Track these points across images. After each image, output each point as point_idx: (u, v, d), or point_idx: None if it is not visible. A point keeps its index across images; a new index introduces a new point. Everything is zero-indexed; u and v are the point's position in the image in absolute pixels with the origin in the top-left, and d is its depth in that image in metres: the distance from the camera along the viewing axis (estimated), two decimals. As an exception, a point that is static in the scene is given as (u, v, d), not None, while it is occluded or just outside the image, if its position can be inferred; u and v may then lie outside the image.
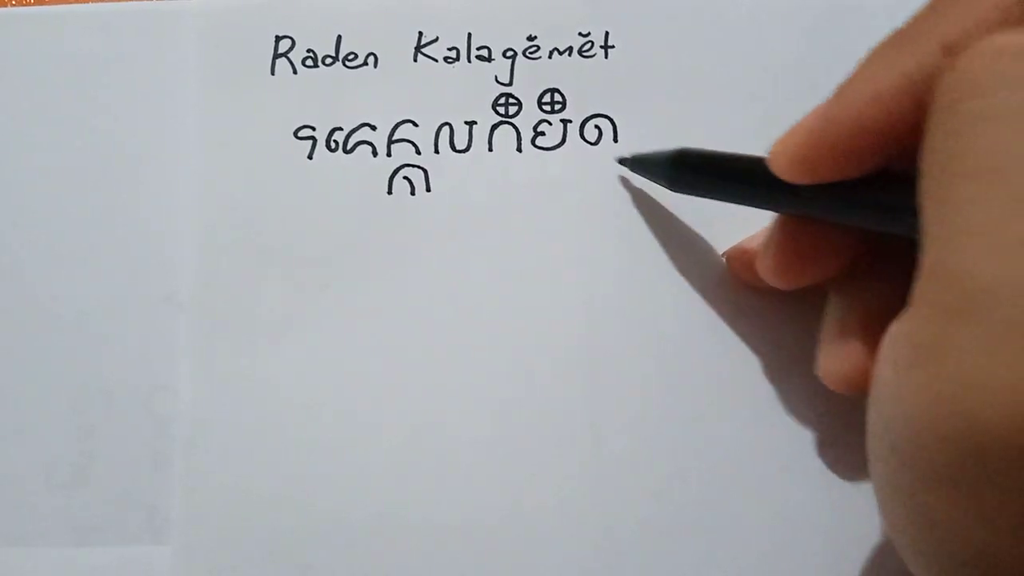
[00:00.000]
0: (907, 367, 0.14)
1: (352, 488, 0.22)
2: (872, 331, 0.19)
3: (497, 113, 0.25)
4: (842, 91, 0.17)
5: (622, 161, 0.24)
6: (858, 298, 0.19)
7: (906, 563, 0.15)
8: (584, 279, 0.23)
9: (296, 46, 0.25)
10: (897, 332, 0.15)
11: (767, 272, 0.20)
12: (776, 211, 0.20)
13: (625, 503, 0.22)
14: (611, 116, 0.25)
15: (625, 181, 0.24)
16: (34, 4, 0.27)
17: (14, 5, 0.27)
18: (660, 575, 0.21)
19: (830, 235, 0.19)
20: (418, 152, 0.25)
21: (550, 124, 0.25)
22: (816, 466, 0.22)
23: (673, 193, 0.22)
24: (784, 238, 0.20)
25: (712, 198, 0.21)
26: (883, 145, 0.16)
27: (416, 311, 0.23)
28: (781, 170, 0.18)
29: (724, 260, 0.23)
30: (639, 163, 0.23)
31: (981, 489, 0.13)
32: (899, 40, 0.16)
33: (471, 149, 0.25)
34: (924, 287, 0.14)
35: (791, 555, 0.21)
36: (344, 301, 0.23)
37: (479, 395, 0.23)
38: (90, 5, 0.26)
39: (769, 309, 0.23)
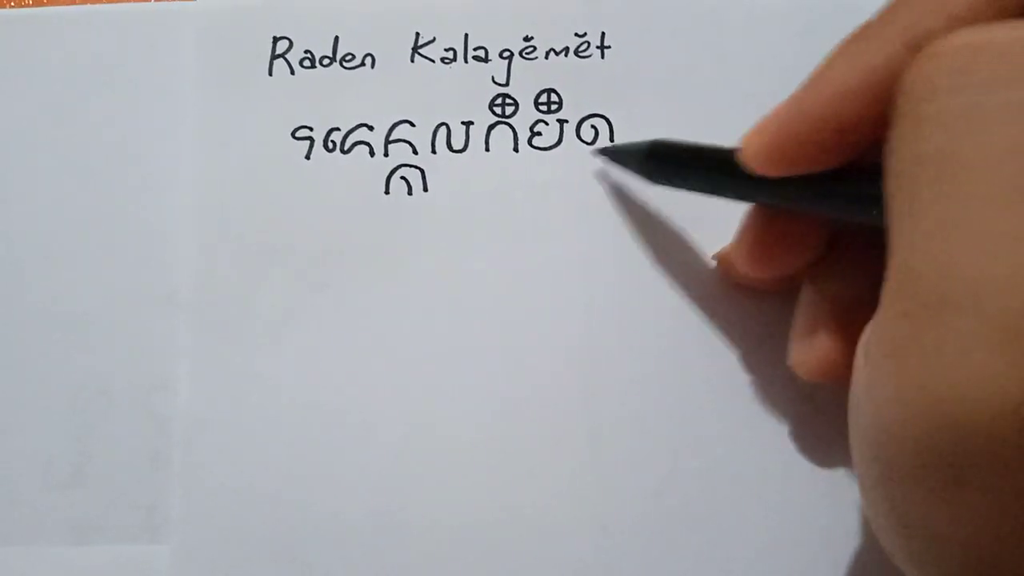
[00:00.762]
0: (881, 366, 0.14)
1: (350, 487, 0.22)
2: (842, 321, 0.19)
3: (494, 113, 0.25)
4: (808, 86, 0.17)
5: (601, 152, 0.24)
6: (829, 288, 0.20)
7: (895, 563, 0.15)
8: (581, 278, 0.23)
9: (294, 47, 0.26)
10: (871, 331, 0.15)
11: (740, 260, 0.21)
12: (749, 201, 0.20)
13: (623, 502, 0.22)
14: (607, 116, 0.25)
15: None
16: (33, 5, 0.27)
17: (12, 6, 0.27)
18: (658, 572, 0.21)
19: (801, 225, 0.20)
20: (415, 152, 0.25)
21: (547, 124, 0.25)
22: (813, 465, 0.22)
23: (670, 193, 0.22)
24: (756, 227, 0.20)
25: (687, 189, 0.22)
26: (849, 139, 0.16)
27: (414, 310, 0.23)
28: (751, 163, 0.18)
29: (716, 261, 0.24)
30: (615, 154, 0.24)
31: (958, 487, 0.13)
32: (865, 34, 0.16)
33: (468, 149, 0.25)
34: (895, 285, 0.14)
35: (788, 554, 0.21)
36: (342, 301, 0.23)
37: (477, 394, 0.23)
38: (89, 6, 0.26)
39: (766, 310, 0.23)
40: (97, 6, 0.26)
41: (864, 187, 0.17)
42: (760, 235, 0.20)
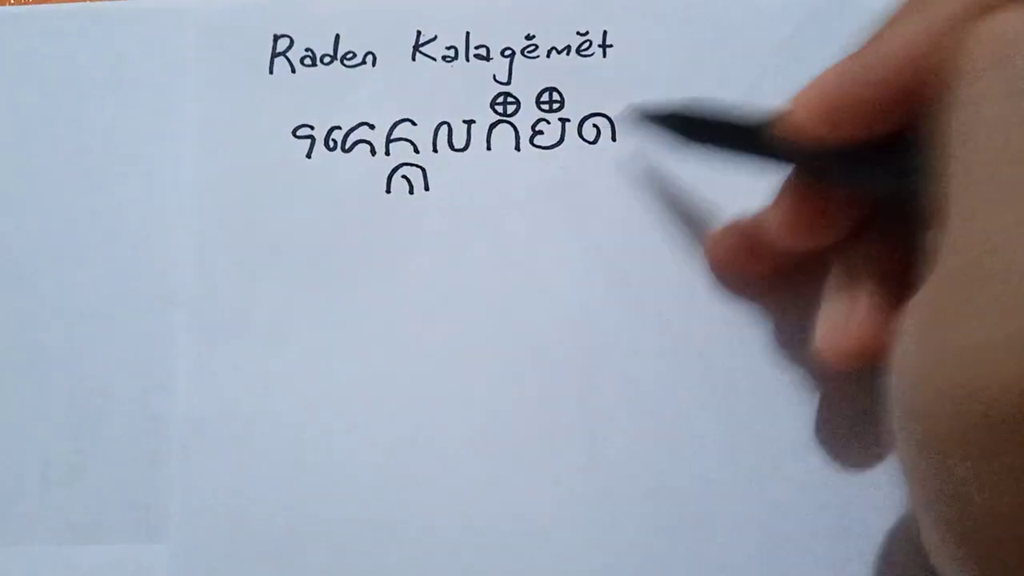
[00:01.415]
0: (925, 332, 0.14)
1: (347, 488, 0.22)
2: (880, 296, 0.19)
3: (495, 112, 0.25)
4: (870, 47, 0.17)
5: (633, 113, 0.23)
6: (864, 263, 0.19)
7: (928, 539, 0.15)
8: (582, 277, 0.23)
9: (295, 45, 0.26)
10: (919, 300, 0.15)
11: (777, 230, 0.20)
12: (782, 166, 0.20)
13: (621, 505, 0.22)
14: (609, 115, 0.25)
15: (626, 180, 0.24)
16: (32, 2, 0.27)
17: (12, 4, 0.27)
18: (655, 572, 0.21)
19: (837, 195, 0.19)
20: (416, 151, 0.25)
21: (548, 123, 0.25)
22: (813, 467, 0.22)
23: (670, 194, 0.22)
24: (796, 194, 0.20)
25: (721, 151, 0.21)
26: (909, 105, 0.16)
27: (414, 309, 0.23)
28: (801, 122, 0.18)
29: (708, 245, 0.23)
30: (648, 116, 0.23)
31: (995, 455, 0.13)
32: (922, 2, 0.16)
33: (470, 148, 0.25)
34: (945, 254, 0.14)
35: (788, 556, 0.21)
36: (342, 300, 0.23)
37: (476, 395, 0.23)
38: (89, 4, 0.26)
39: (766, 311, 0.23)
40: (98, 3, 0.26)
41: (903, 158, 0.16)
42: (796, 204, 0.20)
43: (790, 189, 0.20)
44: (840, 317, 0.19)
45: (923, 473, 0.15)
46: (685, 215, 0.24)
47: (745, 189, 0.22)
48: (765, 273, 0.22)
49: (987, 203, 0.13)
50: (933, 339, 0.14)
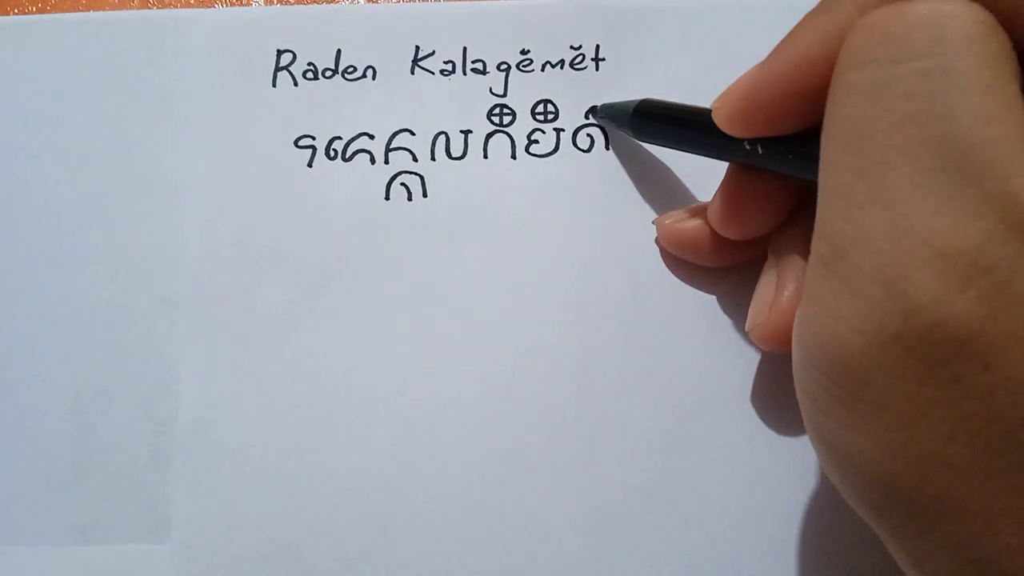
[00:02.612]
0: (800, 307, 0.16)
1: (348, 485, 0.22)
2: (794, 284, 0.20)
3: (492, 123, 0.25)
4: (773, 54, 0.18)
5: (591, 111, 0.25)
6: (791, 248, 0.21)
7: (844, 497, 0.17)
8: (576, 282, 0.24)
9: (297, 59, 0.26)
10: (810, 261, 0.16)
11: (714, 218, 0.22)
12: (725, 160, 0.21)
13: (616, 500, 0.22)
14: (603, 125, 0.25)
15: (619, 187, 0.25)
16: (37, 12, 0.27)
17: (19, 13, 0.27)
18: (651, 569, 0.21)
19: (770, 184, 0.21)
20: (415, 159, 0.25)
21: (543, 132, 0.25)
22: (807, 460, 0.22)
23: (661, 196, 0.23)
24: (728, 186, 0.21)
25: (670, 147, 0.23)
26: (810, 103, 0.17)
27: (412, 313, 0.24)
28: (722, 123, 0.20)
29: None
30: (607, 113, 0.25)
31: (852, 408, 0.15)
32: (825, 5, 0.17)
33: (467, 156, 0.25)
34: (813, 242, 0.16)
35: (780, 552, 0.22)
36: (342, 304, 0.24)
37: (474, 396, 0.23)
38: (96, 14, 0.27)
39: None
40: (104, 13, 0.27)
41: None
42: (732, 192, 0.21)
43: (726, 180, 0.22)
44: (767, 300, 0.21)
45: (808, 425, 0.17)
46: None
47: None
48: (714, 261, 0.23)
49: (838, 189, 0.15)
50: (804, 310, 0.16)
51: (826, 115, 0.16)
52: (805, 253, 0.20)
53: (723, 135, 0.20)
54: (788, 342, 0.17)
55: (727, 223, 0.22)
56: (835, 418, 0.15)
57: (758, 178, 0.21)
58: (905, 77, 0.14)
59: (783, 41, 0.18)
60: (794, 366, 0.17)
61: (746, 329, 0.22)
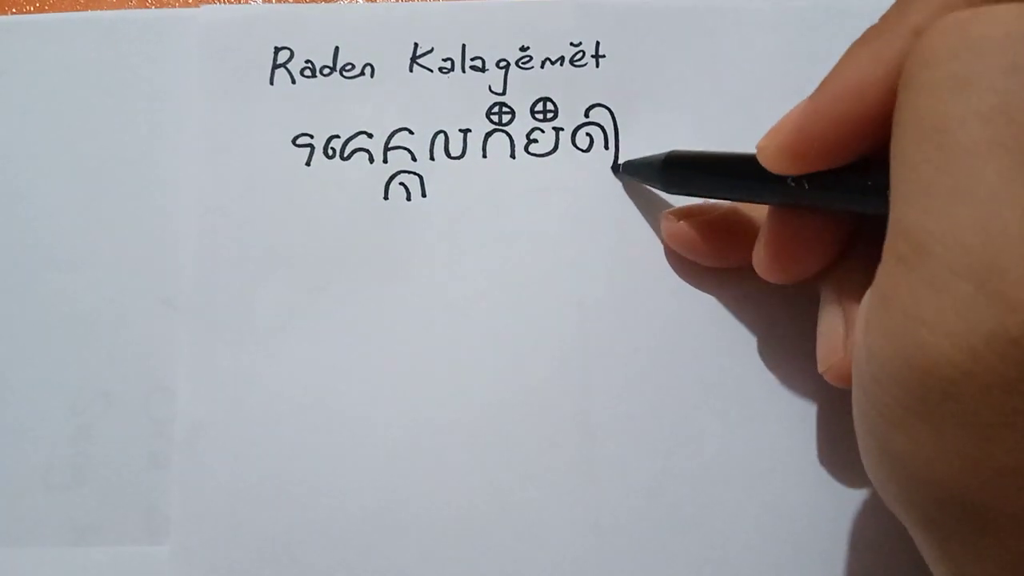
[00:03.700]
0: (874, 313, 0.15)
1: (348, 487, 0.22)
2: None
3: (491, 121, 0.25)
4: (824, 85, 0.18)
5: (616, 168, 0.24)
6: (850, 287, 0.20)
7: (886, 503, 0.16)
8: (576, 281, 0.24)
9: (295, 57, 0.26)
10: (874, 284, 0.16)
11: (761, 265, 0.21)
12: (766, 202, 0.21)
13: (616, 501, 0.22)
14: (602, 124, 0.25)
15: (618, 186, 0.25)
16: (36, 12, 0.27)
17: (16, 13, 0.27)
18: (650, 571, 0.21)
19: (819, 225, 0.20)
20: (414, 159, 0.25)
21: (543, 132, 0.25)
22: (808, 462, 0.22)
23: (663, 195, 0.23)
24: (775, 230, 0.20)
25: (704, 196, 0.22)
26: (866, 133, 0.17)
27: (411, 313, 0.24)
28: (769, 162, 0.19)
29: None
30: (632, 169, 0.24)
31: (930, 420, 0.14)
32: (875, 32, 0.17)
33: (466, 156, 0.25)
34: (887, 242, 0.15)
35: (779, 553, 0.22)
36: (341, 304, 0.24)
37: (473, 396, 0.23)
38: (93, 14, 0.27)
39: (758, 308, 0.23)
40: (101, 13, 0.27)
41: (878, 178, 0.17)
42: (777, 236, 0.20)
43: (771, 224, 0.21)
44: (838, 338, 0.20)
45: (871, 439, 0.16)
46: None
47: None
48: (716, 261, 0.23)
49: (917, 184, 0.14)
50: (879, 316, 0.15)
51: (899, 113, 0.15)
52: (867, 286, 0.19)
53: (764, 176, 0.19)
54: None
55: (776, 269, 0.21)
56: (905, 429, 0.14)
57: (803, 218, 0.20)
58: (991, 71, 0.14)
59: (832, 73, 0.17)
60: (856, 376, 0.16)
61: (820, 371, 0.20)
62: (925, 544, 0.16)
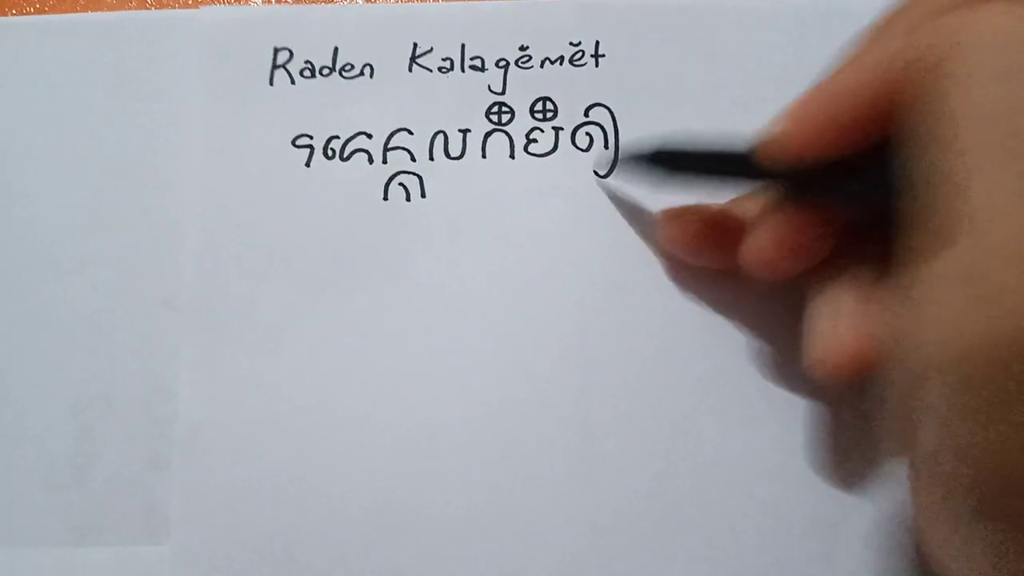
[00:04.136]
0: (921, 301, 0.15)
1: (348, 488, 0.22)
2: (866, 307, 0.19)
3: (490, 121, 0.25)
4: (841, 69, 0.18)
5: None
6: (840, 280, 0.20)
7: (926, 530, 0.16)
8: (575, 282, 0.24)
9: (294, 57, 0.26)
10: (938, 269, 0.15)
11: (760, 258, 0.21)
12: (762, 186, 0.21)
13: (615, 502, 0.22)
14: (602, 123, 0.25)
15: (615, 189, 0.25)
16: (36, 13, 0.27)
17: (14, 13, 0.27)
18: (649, 570, 0.21)
19: (806, 221, 0.20)
20: (413, 159, 0.25)
21: (542, 131, 0.25)
22: (806, 464, 0.22)
23: (663, 197, 0.23)
24: (772, 224, 0.20)
25: (699, 187, 0.22)
26: (882, 119, 0.17)
27: (411, 314, 0.24)
28: (781, 147, 0.19)
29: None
30: (622, 166, 0.24)
31: (1003, 406, 0.13)
32: (891, 20, 0.17)
33: (465, 156, 0.25)
34: (910, 239, 0.15)
35: (780, 553, 0.22)
36: (341, 305, 0.24)
37: (473, 397, 0.23)
38: (93, 15, 0.27)
39: (758, 308, 0.23)
40: (100, 13, 0.27)
41: (881, 169, 0.17)
42: (768, 232, 0.20)
43: (771, 216, 0.21)
44: (829, 329, 0.20)
45: (931, 431, 0.15)
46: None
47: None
48: (713, 262, 0.23)
49: (982, 169, 0.14)
50: (929, 303, 0.15)
51: (927, 101, 0.15)
52: (856, 279, 0.19)
53: (754, 170, 0.19)
54: (858, 371, 0.17)
55: (776, 262, 0.21)
56: (974, 415, 0.14)
57: (792, 214, 0.20)
58: (1013, 70, 0.14)
59: (846, 60, 0.18)
60: (892, 379, 0.16)
61: (812, 363, 0.20)
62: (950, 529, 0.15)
